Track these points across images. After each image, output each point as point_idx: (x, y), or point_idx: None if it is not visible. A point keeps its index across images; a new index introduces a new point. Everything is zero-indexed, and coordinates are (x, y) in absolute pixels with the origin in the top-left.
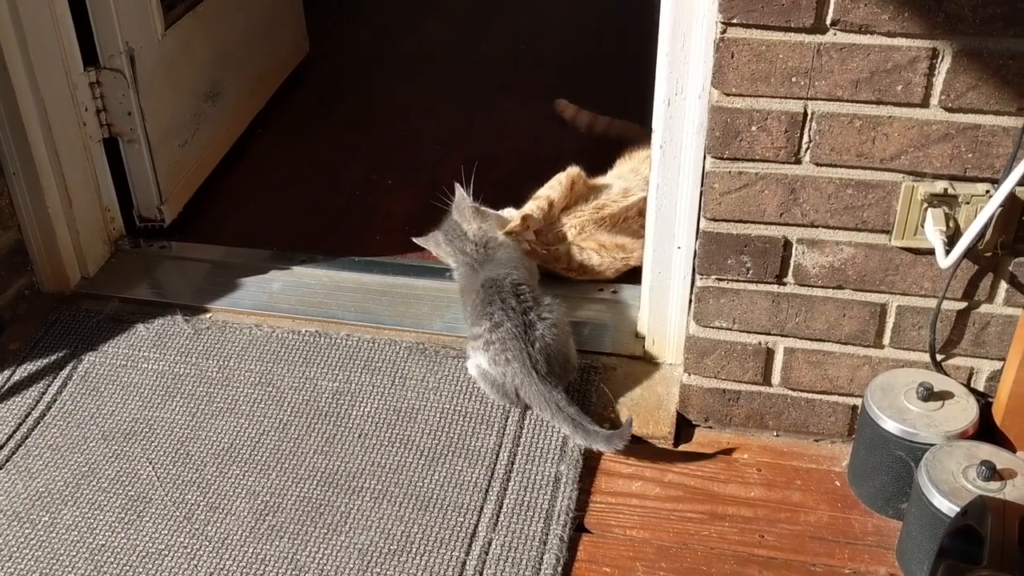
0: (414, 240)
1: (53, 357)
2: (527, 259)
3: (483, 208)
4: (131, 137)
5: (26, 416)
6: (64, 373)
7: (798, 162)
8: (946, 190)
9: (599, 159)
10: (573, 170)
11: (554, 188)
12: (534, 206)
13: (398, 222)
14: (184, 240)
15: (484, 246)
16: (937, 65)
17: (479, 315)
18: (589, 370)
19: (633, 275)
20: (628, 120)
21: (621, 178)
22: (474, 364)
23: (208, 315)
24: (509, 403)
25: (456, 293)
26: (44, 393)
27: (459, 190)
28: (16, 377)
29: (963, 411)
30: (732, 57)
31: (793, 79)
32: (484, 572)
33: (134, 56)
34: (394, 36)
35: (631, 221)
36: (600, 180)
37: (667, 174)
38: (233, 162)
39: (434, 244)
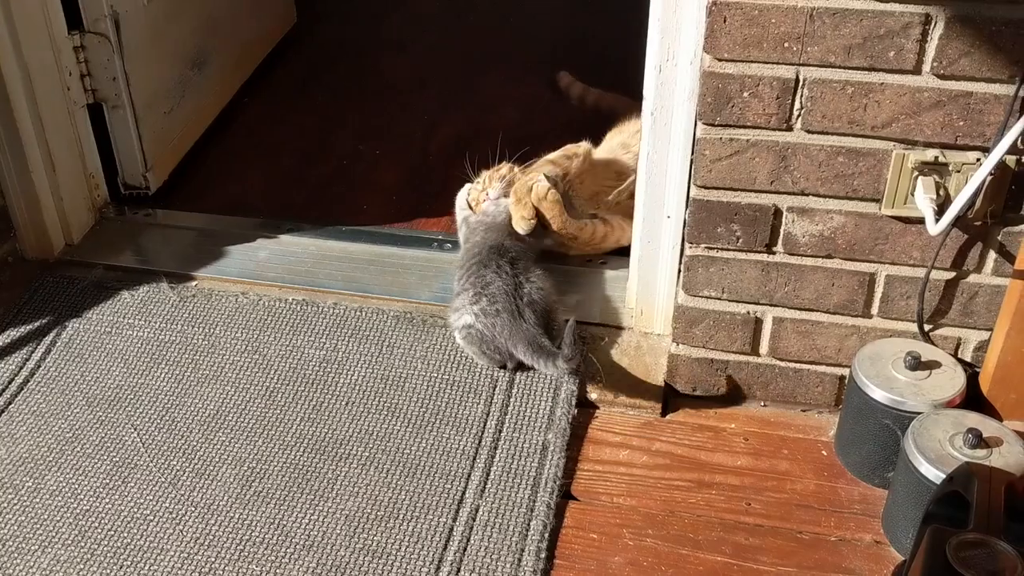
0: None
1: (37, 323)
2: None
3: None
4: (116, 103)
5: (9, 382)
6: (48, 339)
7: (789, 129)
8: (937, 158)
9: (588, 132)
10: (587, 146)
11: (573, 160)
12: (549, 169)
13: (385, 192)
14: (169, 208)
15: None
16: (930, 31)
17: (472, 274)
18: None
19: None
20: (619, 92)
21: (612, 153)
22: (461, 324)
23: (194, 283)
24: (494, 361)
25: (444, 263)
26: (28, 359)
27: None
28: None
29: (950, 380)
30: (724, 22)
31: (785, 44)
32: (472, 538)
33: (119, 20)
34: (381, 6)
35: (623, 204)
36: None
37: (657, 142)
38: (219, 131)
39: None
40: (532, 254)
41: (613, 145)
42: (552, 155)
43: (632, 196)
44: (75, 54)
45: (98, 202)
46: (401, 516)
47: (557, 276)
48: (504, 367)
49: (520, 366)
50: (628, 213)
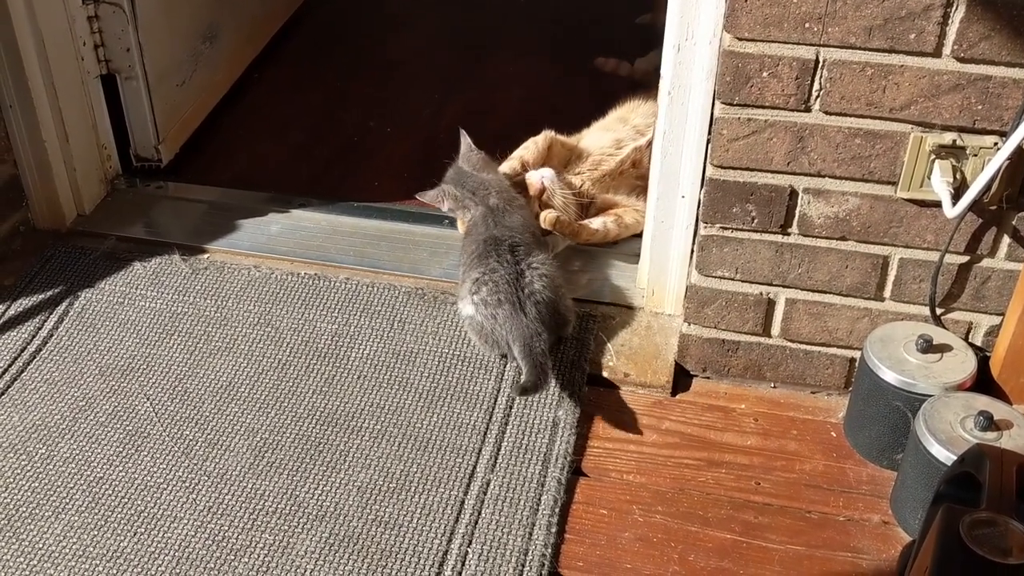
0: (418, 197)
1: (49, 293)
2: (533, 222)
3: (488, 158)
4: (129, 74)
5: (22, 350)
6: (60, 309)
7: (807, 110)
8: (954, 142)
9: (595, 107)
10: (548, 133)
11: (528, 148)
12: (507, 167)
13: (396, 169)
14: (180, 181)
15: (507, 200)
16: (951, 14)
17: (475, 264)
18: (588, 318)
19: None
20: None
21: (608, 129)
22: (465, 315)
23: (206, 255)
24: (497, 351)
25: (455, 240)
26: (40, 328)
27: (465, 139)
28: (11, 312)
29: (961, 364)
30: (745, 1)
31: (806, 24)
32: (483, 511)
33: None
34: None
35: (627, 174)
36: (584, 132)
37: (674, 121)
38: (230, 105)
39: (444, 198)
40: (533, 237)
41: (608, 122)
42: (514, 153)
43: (635, 165)
44: (89, 24)
45: (110, 173)
46: (413, 488)
47: (568, 254)
48: (504, 357)
49: None
50: (632, 187)
